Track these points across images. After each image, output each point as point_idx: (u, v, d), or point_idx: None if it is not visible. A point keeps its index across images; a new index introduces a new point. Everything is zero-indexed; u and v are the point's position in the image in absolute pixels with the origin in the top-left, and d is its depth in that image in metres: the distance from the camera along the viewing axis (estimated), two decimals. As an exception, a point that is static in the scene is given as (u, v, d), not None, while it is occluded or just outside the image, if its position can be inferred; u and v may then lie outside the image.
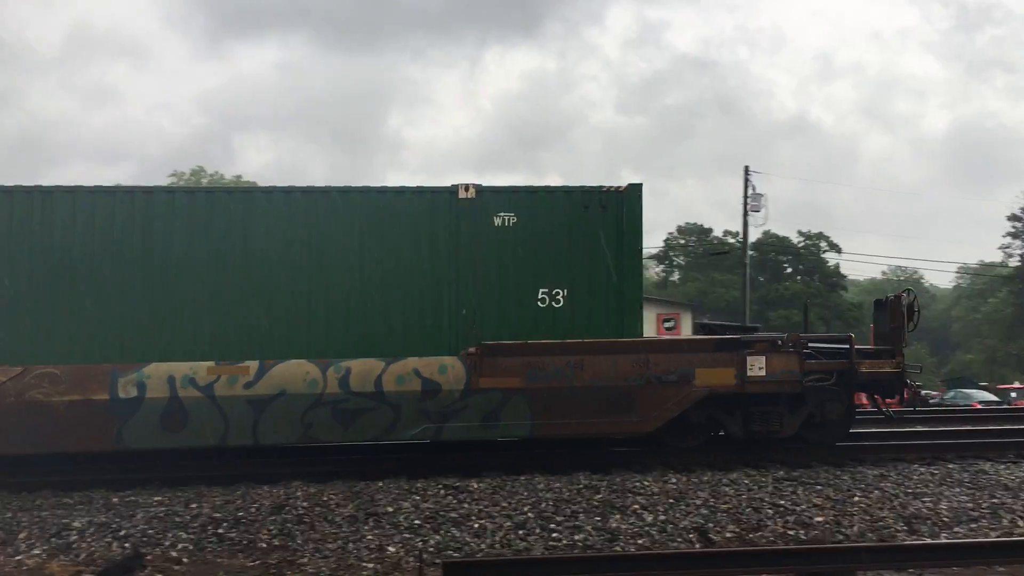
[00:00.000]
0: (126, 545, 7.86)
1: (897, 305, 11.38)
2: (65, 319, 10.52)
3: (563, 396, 10.69)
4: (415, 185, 11.20)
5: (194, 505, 8.86)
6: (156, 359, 10.51)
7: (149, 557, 7.49)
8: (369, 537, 8.01)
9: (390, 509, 8.74)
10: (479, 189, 11.03)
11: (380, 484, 9.73)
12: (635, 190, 11.22)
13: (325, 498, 9.06)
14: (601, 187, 11.25)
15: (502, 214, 11.07)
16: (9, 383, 10.31)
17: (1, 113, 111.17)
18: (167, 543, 7.87)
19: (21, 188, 10.62)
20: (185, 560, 7.54)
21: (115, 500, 9.33)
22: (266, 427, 10.53)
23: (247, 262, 10.79)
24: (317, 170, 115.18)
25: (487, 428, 10.76)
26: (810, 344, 11.20)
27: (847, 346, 11.23)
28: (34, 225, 10.59)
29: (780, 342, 11.04)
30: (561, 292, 11.05)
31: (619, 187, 11.26)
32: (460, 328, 10.83)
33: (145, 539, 8.00)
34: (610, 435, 11.42)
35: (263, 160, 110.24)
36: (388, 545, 7.82)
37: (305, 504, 8.84)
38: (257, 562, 7.51)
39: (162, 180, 67.49)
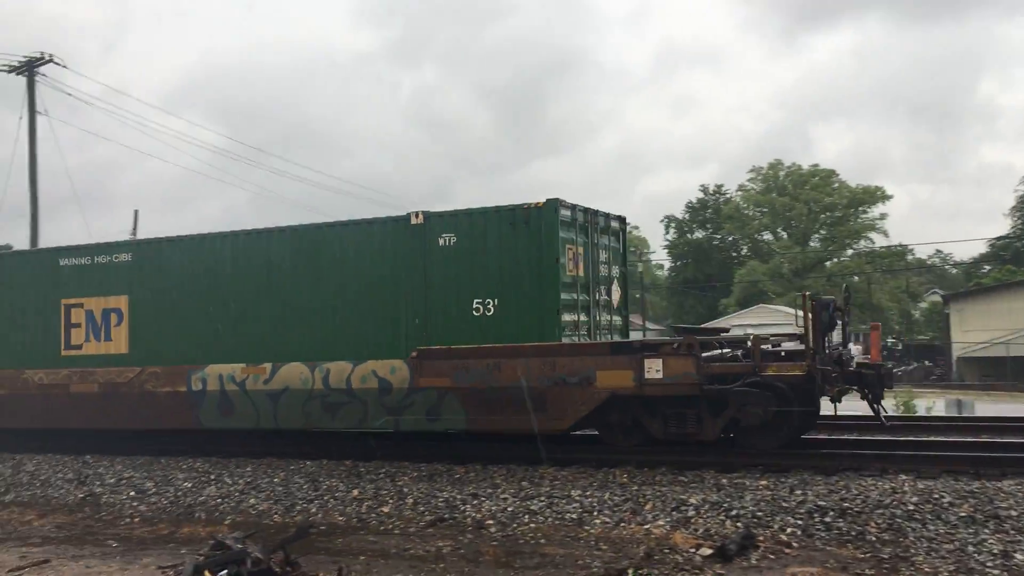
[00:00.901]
0: (738, 524, 8.30)
1: (811, 305, 10.50)
2: (162, 333, 13.64)
3: (487, 395, 11.40)
4: (380, 216, 12.81)
5: (799, 492, 9.00)
6: (212, 362, 13.13)
7: (760, 538, 7.81)
8: (991, 542, 7.31)
9: (1014, 513, 7.85)
10: (427, 215, 12.20)
11: (1001, 484, 8.82)
12: (551, 205, 11.64)
13: (936, 495, 8.49)
14: (523, 205, 11.79)
15: (445, 235, 12.02)
16: (134, 379, 13.64)
17: (604, 131, 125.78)
18: (775, 526, 8.13)
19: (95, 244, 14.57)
20: (795, 544, 7.70)
21: (724, 481, 9.90)
22: (281, 415, 12.71)
23: (263, 285, 13.08)
24: (896, 151, 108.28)
25: (431, 421, 11.87)
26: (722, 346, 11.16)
27: (749, 348, 10.76)
28: (150, 268, 13.95)
29: (676, 346, 10.81)
30: (492, 302, 11.74)
31: (538, 203, 11.71)
32: (412, 335, 12.04)
33: (755, 520, 8.36)
34: (529, 432, 11.27)
35: (839, 147, 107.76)
36: (1016, 552, 7.04)
37: (915, 500, 8.38)
38: (868, 554, 7.35)
39: (741, 177, 70.47)
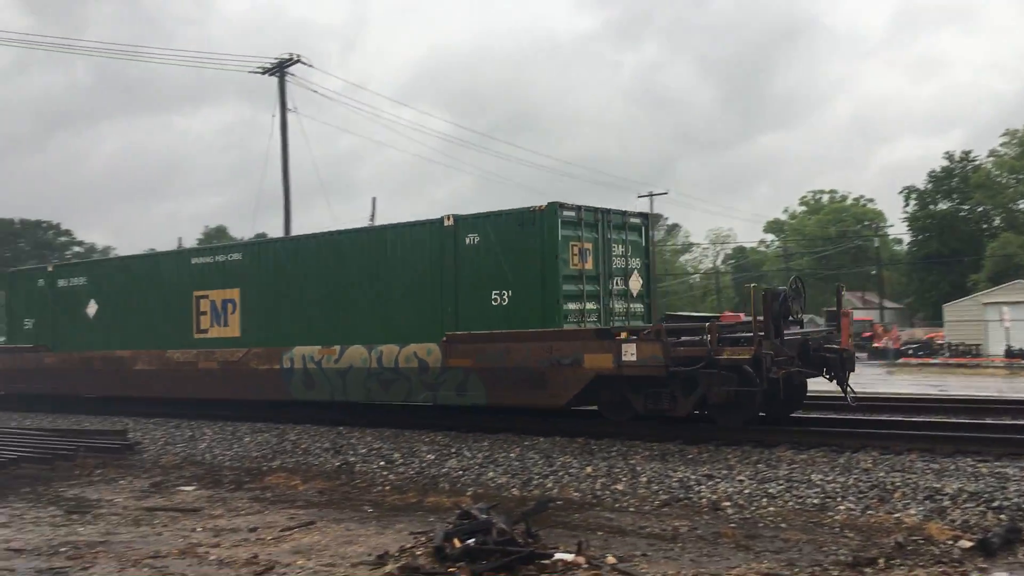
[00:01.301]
0: (1002, 516, 7.71)
1: (761, 296, 11.31)
2: (263, 320, 16.13)
3: (500, 374, 12.88)
4: (420, 219, 14.39)
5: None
6: (297, 344, 15.38)
7: (1026, 533, 7.22)
8: None
9: None
10: (456, 218, 13.77)
11: None
12: (551, 208, 12.94)
13: None
14: (529, 208, 13.20)
15: (470, 235, 13.51)
16: (242, 358, 16.10)
17: (835, 100, 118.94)
18: (1048, 521, 7.48)
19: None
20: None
21: (984, 470, 9.21)
22: (348, 389, 14.70)
23: (333, 279, 15.26)
24: None
25: (459, 396, 13.40)
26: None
27: (705, 333, 11.46)
28: (255, 265, 16.51)
29: (646, 332, 11.76)
30: (507, 293, 13.16)
31: (540, 207, 13.05)
32: (445, 322, 13.60)
33: (1021, 513, 7.74)
34: (537, 407, 13.10)
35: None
36: None
37: None
38: None
39: (992, 142, 63.87)
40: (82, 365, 18.82)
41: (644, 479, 9.98)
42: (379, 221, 44.41)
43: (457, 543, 6.81)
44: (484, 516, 7.28)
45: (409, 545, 7.35)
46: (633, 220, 14.64)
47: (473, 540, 6.86)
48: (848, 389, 12.43)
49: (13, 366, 20.30)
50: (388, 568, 6.78)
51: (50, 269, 21.00)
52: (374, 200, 45.59)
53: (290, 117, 34.87)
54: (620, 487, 9.84)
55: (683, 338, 11.85)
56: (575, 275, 13.26)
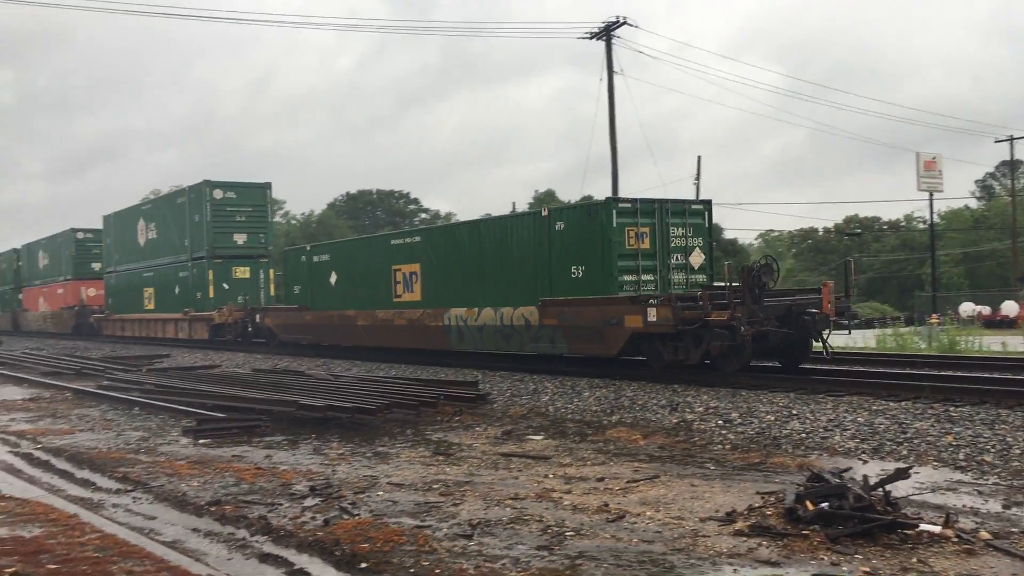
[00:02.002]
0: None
1: (737, 270, 14.80)
2: (433, 287, 20.56)
3: (574, 330, 16.55)
4: (526, 212, 19.76)
5: None
6: (453, 306, 19.46)
7: None
8: None
9: None
10: (550, 210, 17.95)
11: None
12: (609, 202, 16.69)
13: None
14: (594, 202, 17.85)
15: (558, 223, 17.24)
16: (420, 317, 20.64)
17: None
18: None
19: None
20: None
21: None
22: (484, 342, 18.94)
23: (474, 256, 19.28)
24: None
25: (551, 347, 17.38)
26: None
27: (699, 300, 14.50)
28: (427, 246, 21.00)
29: (662, 299, 14.86)
30: (581, 267, 16.77)
31: (601, 201, 16.97)
32: (541, 290, 17.36)
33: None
34: (598, 355, 16.97)
35: None
36: None
37: None
38: None
39: None
40: (327, 321, 24.49)
41: (1017, 451, 9.03)
42: (704, 181, 43.73)
43: (810, 506, 6.62)
44: (837, 480, 6.99)
45: (757, 504, 7.26)
46: (695, 207, 18.06)
47: (827, 504, 6.62)
48: (825, 344, 15.48)
49: (287, 321, 26.48)
50: (738, 525, 6.76)
51: (308, 248, 26.59)
52: (699, 159, 44.85)
53: (617, 80, 35.32)
54: (988, 459, 8.99)
55: (687, 303, 14.75)
56: (631, 254, 16.60)
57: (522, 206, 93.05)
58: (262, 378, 18.22)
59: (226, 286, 30.38)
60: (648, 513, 7.34)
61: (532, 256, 17.83)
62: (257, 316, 27.98)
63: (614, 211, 16.44)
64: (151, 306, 34.98)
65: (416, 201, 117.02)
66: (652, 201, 17.14)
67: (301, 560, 6.25)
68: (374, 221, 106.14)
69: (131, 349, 32.64)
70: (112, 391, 17.79)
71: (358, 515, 7.48)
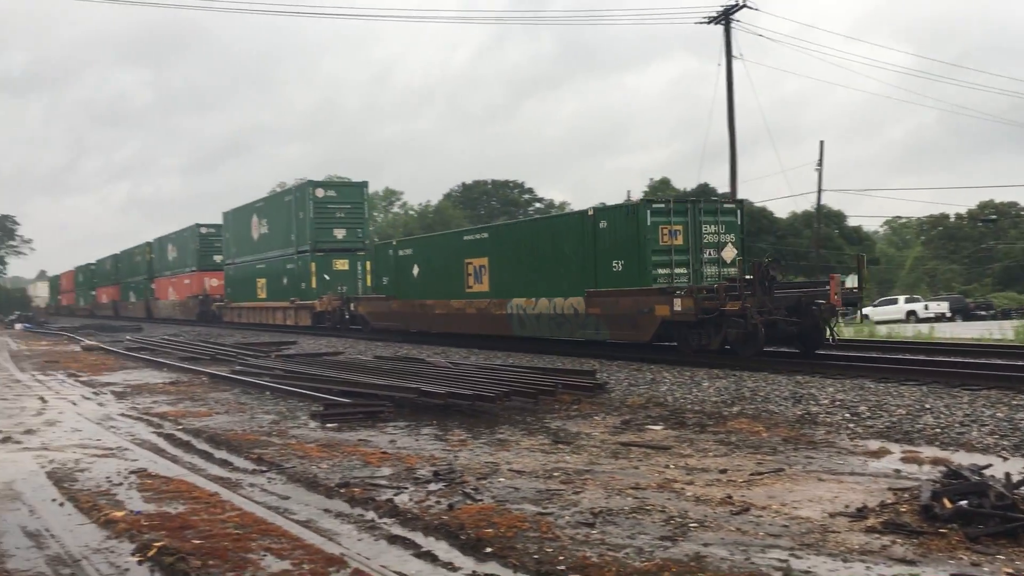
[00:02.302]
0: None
1: (749, 265, 17.00)
2: (498, 280, 22.59)
3: (613, 319, 18.47)
4: (574, 211, 23.44)
5: None
6: (514, 296, 21.60)
7: None
8: None
9: None
10: (595, 210, 19.72)
11: None
12: (644, 204, 18.69)
13: None
14: (631, 202, 19.73)
15: (602, 222, 19.08)
16: (487, 306, 22.77)
17: None
18: None
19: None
20: None
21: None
22: (541, 329, 21.00)
23: (531, 252, 21.39)
24: None
25: (596, 334, 19.25)
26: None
27: (715, 292, 16.46)
28: (494, 243, 23.17)
29: (685, 291, 16.70)
30: (621, 262, 18.54)
31: (638, 202, 19.31)
32: (587, 282, 19.29)
33: None
34: (633, 341, 18.67)
35: None
36: None
37: None
38: None
39: None
40: (410, 309, 26.85)
41: None
42: (827, 167, 42.29)
43: (948, 504, 6.37)
44: (977, 477, 6.70)
45: (890, 501, 7.03)
46: (727, 206, 19.80)
47: (966, 502, 6.36)
48: (831, 333, 17.28)
49: (377, 309, 29.00)
50: (869, 522, 6.56)
51: (394, 243, 29.22)
52: (821, 144, 43.56)
53: (736, 65, 34.56)
54: None
55: (707, 294, 16.51)
56: (665, 249, 18.29)
57: (637, 195, 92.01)
58: (384, 365, 18.70)
59: (327, 277, 33.14)
60: (774, 507, 7.20)
61: (580, 251, 19.74)
62: (352, 304, 30.90)
63: (648, 211, 18.29)
64: (263, 295, 37.94)
65: (531, 191, 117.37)
66: (685, 201, 19.30)
67: (428, 543, 6.41)
68: (489, 211, 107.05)
69: (260, 336, 34.02)
70: (244, 376, 18.60)
71: (481, 500, 7.61)
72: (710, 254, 18.84)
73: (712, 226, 18.92)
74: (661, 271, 18.24)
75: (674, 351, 18.14)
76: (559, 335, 20.66)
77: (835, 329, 17.58)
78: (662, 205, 18.60)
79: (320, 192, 33.87)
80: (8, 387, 18.98)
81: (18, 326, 60.73)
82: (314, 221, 33.35)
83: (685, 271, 18.50)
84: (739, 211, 19.70)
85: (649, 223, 18.11)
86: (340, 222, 33.99)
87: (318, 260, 33.31)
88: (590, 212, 19.81)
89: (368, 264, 33.18)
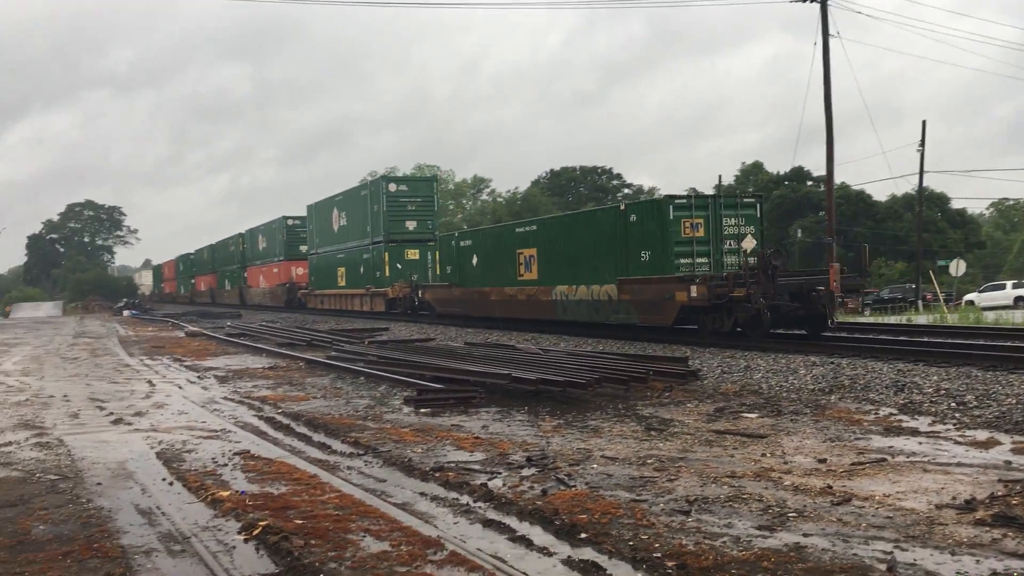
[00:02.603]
0: None
1: (755, 255, 18.81)
2: (544, 269, 24.46)
3: (640, 304, 20.12)
4: (606, 207, 25.44)
5: None
6: (557, 284, 23.48)
7: None
8: None
9: None
10: (627, 204, 21.87)
11: None
12: (666, 200, 20.07)
13: None
14: (655, 198, 23.16)
15: (632, 216, 20.85)
16: (535, 293, 24.62)
17: None
18: None
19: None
20: None
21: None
22: (580, 313, 22.69)
23: (573, 244, 23.19)
24: None
25: (626, 318, 20.90)
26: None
27: (725, 279, 18.29)
28: (541, 235, 25.00)
29: (699, 279, 18.49)
30: (648, 253, 20.25)
31: (660, 199, 20.81)
32: (619, 271, 20.99)
33: None
34: (658, 324, 20.04)
35: None
36: None
37: None
38: None
39: None
40: (469, 296, 28.88)
41: None
42: (929, 147, 40.77)
43: (1064, 497, 6.08)
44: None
45: (1000, 493, 6.77)
46: (747, 200, 21.11)
47: (1084, 496, 6.06)
48: (830, 317, 18.91)
49: (441, 296, 31.16)
50: (979, 514, 6.33)
51: (456, 235, 31.43)
52: (923, 124, 41.96)
53: (833, 44, 33.56)
54: None
55: (719, 282, 18.24)
56: (687, 240, 19.88)
57: (728, 179, 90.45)
58: (474, 351, 18.87)
59: (399, 266, 35.48)
60: (876, 497, 7.01)
61: (613, 243, 21.50)
62: (420, 291, 33.11)
63: (671, 206, 19.91)
64: (343, 283, 40.38)
65: (619, 176, 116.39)
66: (706, 197, 22.06)
67: (522, 527, 6.46)
68: (577, 197, 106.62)
69: (353, 323, 34.74)
70: (340, 361, 19.03)
71: (574, 487, 7.62)
72: (730, 245, 20.27)
73: (732, 219, 20.37)
74: (683, 261, 19.82)
75: (694, 333, 20.16)
76: (596, 319, 22.27)
77: (835, 314, 19.47)
78: (684, 200, 20.30)
79: (392, 187, 36.29)
80: (119, 371, 19.86)
81: (126, 313, 63.58)
82: (387, 214, 35.56)
83: (706, 260, 20.05)
84: (759, 205, 21.05)
85: (672, 217, 19.78)
86: (411, 214, 36.22)
87: (391, 250, 35.55)
88: (622, 207, 21.71)
89: (437, 254, 34.41)
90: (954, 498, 6.84)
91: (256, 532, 6.35)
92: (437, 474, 8.20)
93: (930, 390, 11.88)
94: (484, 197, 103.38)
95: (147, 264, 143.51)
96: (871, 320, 30.68)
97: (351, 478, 8.29)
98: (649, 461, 8.62)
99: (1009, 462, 8.17)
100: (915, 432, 9.89)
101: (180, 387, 16.35)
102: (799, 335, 19.31)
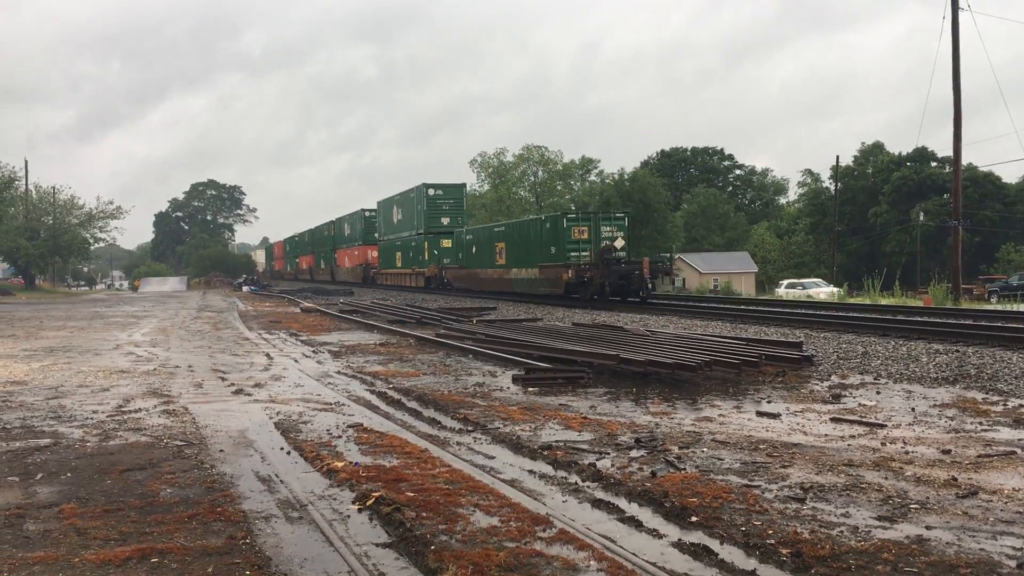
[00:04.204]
0: None
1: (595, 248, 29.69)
2: (505, 256, 35.28)
3: (548, 280, 31.21)
4: (540, 216, 35.16)
5: None
6: (513, 267, 34.23)
7: None
8: None
9: None
10: (544, 217, 32.62)
11: None
12: (561, 215, 31.05)
13: None
14: (554, 214, 33.07)
15: (547, 224, 31.35)
16: (502, 273, 35.45)
17: None
18: None
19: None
20: None
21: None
22: (524, 287, 33.16)
23: (521, 240, 33.61)
24: None
25: (544, 291, 31.71)
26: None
27: (583, 267, 29.30)
28: (505, 233, 36.08)
29: (572, 265, 29.42)
30: (553, 248, 30.79)
31: (557, 215, 31.81)
32: (540, 259, 31.43)
33: None
34: (556, 293, 30.87)
35: None
36: None
37: None
38: None
39: None
40: (471, 275, 39.69)
41: None
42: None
43: None
44: None
45: None
46: (618, 215, 31.34)
47: None
48: (644, 290, 28.91)
49: (454, 275, 42.20)
50: (1121, 515, 5.94)
51: (464, 230, 42.39)
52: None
53: (964, 17, 31.87)
54: None
55: (579, 268, 28.87)
56: (575, 241, 29.50)
57: (846, 160, 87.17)
58: (581, 332, 18.83)
59: (436, 252, 44.57)
60: (1005, 491, 6.67)
61: (538, 241, 31.89)
62: (443, 272, 43.68)
63: (565, 219, 30.47)
64: (399, 264, 50.99)
65: (730, 157, 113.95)
66: (590, 213, 31.96)
67: (631, 509, 6.42)
68: (688, 178, 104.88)
69: (462, 302, 35.24)
70: (448, 339, 19.30)
71: (684, 469, 7.53)
72: (606, 244, 29.57)
73: (608, 227, 30.19)
74: (573, 254, 29.72)
75: (571, 299, 30.45)
76: (530, 291, 32.90)
77: (650, 288, 29.77)
78: (575, 215, 30.87)
79: (431, 191, 46.65)
80: (239, 344, 20.67)
81: (245, 288, 66.09)
82: (427, 212, 46.11)
83: (588, 254, 29.70)
84: (626, 218, 31.85)
85: (565, 226, 29.99)
86: (445, 212, 46.81)
87: (429, 240, 45.30)
88: (542, 218, 32.75)
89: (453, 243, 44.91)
90: (1093, 496, 6.45)
91: (369, 503, 6.51)
92: (545, 452, 8.23)
93: (1065, 382, 11.22)
94: (592, 178, 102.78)
95: (264, 242, 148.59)
96: (998, 307, 29.21)
97: (460, 453, 8.40)
98: (761, 446, 8.43)
99: None
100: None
101: (296, 360, 16.89)
102: (631, 301, 28.98)
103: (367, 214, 59.15)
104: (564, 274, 29.22)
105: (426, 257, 45.24)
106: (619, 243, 29.43)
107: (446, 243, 44.15)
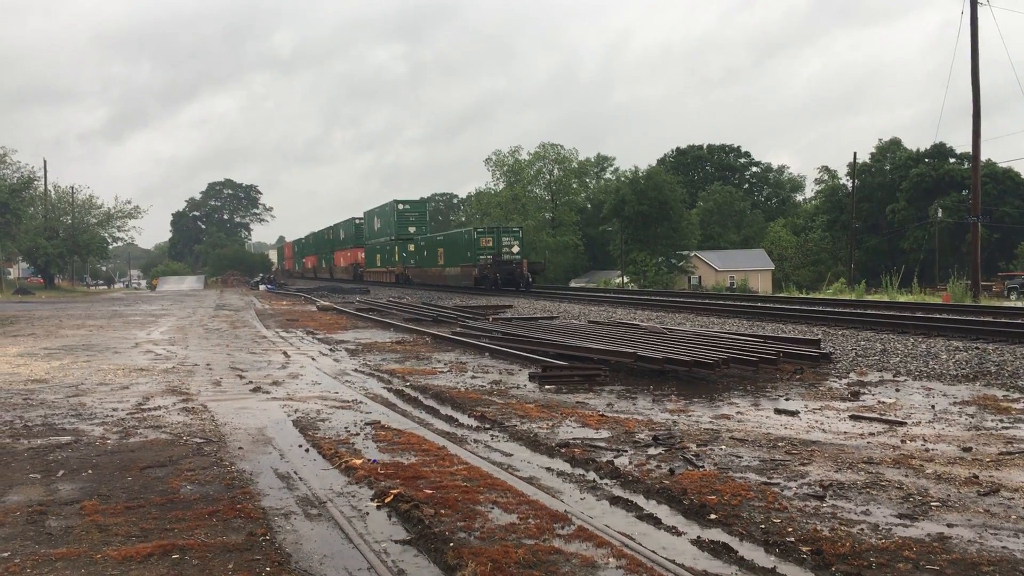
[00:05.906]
0: None
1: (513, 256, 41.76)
2: (443, 258, 47.45)
3: (465, 276, 43.43)
4: (464, 229, 52.44)
5: None
6: (447, 267, 46.91)
7: None
8: None
9: None
10: (470, 230, 43.82)
11: None
12: (473, 230, 43.66)
13: None
14: (473, 228, 45.03)
15: (467, 235, 43.89)
16: (440, 271, 47.30)
17: None
18: None
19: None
20: None
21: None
22: (454, 281, 44.75)
23: (452, 247, 45.49)
24: None
25: (465, 284, 42.81)
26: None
27: (483, 266, 40.78)
28: (448, 242, 48.32)
29: (479, 265, 40.94)
30: (469, 252, 42.70)
31: (472, 229, 44.53)
32: (466, 261, 42.15)
33: None
34: (468, 285, 42.70)
35: None
36: None
37: None
38: None
39: None
40: (423, 273, 49.79)
41: None
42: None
43: None
44: None
45: None
46: (515, 228, 44.28)
47: None
48: (523, 285, 39.54)
49: (412, 273, 52.11)
50: None
51: (419, 238, 52.39)
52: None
53: (985, 13, 31.60)
54: None
55: (480, 267, 40.12)
56: (484, 248, 40.63)
57: (863, 157, 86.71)
58: (600, 330, 18.81)
59: (404, 254, 54.17)
60: (1028, 490, 6.61)
61: (462, 246, 42.41)
62: (406, 270, 53.65)
63: (475, 231, 41.36)
64: (379, 264, 60.49)
65: (747, 155, 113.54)
66: (495, 228, 42.52)
67: (649, 506, 6.41)
68: (703, 176, 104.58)
69: (477, 300, 35.28)
70: (465, 337, 19.32)
71: (702, 467, 7.51)
72: (505, 249, 40.50)
73: (507, 237, 41.24)
74: (482, 257, 40.22)
75: (479, 288, 40.59)
76: (457, 284, 43.11)
77: (530, 281, 40.39)
78: (483, 230, 41.96)
79: (400, 206, 56.57)
80: (256, 342, 20.77)
81: (262, 287, 66.47)
82: (397, 223, 55.75)
83: (491, 257, 40.13)
84: (521, 230, 44.22)
85: (476, 237, 41.00)
86: (412, 222, 56.41)
87: (399, 244, 55.21)
88: (463, 231, 43.57)
89: (413, 247, 55.09)
90: (1117, 494, 6.39)
91: (388, 500, 6.52)
92: (563, 450, 8.22)
93: (1087, 379, 11.13)
94: (608, 176, 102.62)
95: (279, 240, 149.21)
96: (1017, 304, 29.00)
97: (478, 451, 8.40)
98: (780, 444, 8.40)
99: None
100: (1071, 423, 9.28)
101: (313, 358, 16.96)
102: (510, 290, 39.09)
103: (357, 221, 69.25)
104: (474, 271, 40.51)
105: (396, 259, 55.85)
106: (515, 248, 41.30)
107: (411, 247, 53.43)
